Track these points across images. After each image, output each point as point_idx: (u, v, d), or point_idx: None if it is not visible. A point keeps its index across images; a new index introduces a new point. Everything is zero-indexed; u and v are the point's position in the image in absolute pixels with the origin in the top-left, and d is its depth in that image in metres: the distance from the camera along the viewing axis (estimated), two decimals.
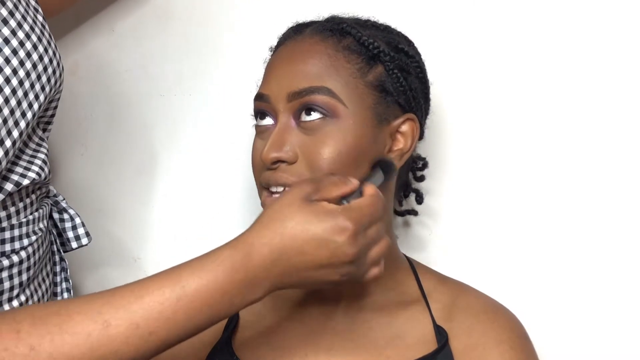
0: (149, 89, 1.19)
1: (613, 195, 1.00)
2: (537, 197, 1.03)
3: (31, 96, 0.81)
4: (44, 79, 0.83)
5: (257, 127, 0.89)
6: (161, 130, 1.19)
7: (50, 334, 0.63)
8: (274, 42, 0.94)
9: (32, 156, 0.88)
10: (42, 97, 0.83)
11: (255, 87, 0.90)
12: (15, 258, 0.85)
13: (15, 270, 0.85)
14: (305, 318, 0.89)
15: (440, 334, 0.86)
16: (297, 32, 0.90)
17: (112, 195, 1.22)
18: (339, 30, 0.87)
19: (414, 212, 1.04)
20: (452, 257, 1.06)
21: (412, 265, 0.94)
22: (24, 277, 0.87)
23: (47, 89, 0.84)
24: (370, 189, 0.75)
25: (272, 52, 0.93)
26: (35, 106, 0.82)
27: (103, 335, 0.64)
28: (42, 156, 0.89)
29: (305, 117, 0.83)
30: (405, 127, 0.87)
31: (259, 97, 0.87)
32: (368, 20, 0.91)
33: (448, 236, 1.08)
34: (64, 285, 0.98)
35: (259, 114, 0.88)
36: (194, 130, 1.18)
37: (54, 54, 0.85)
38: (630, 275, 1.00)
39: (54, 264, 0.97)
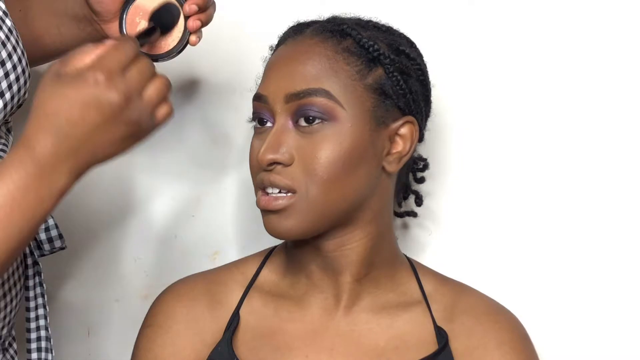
0: None
1: (613, 198, 1.01)
2: (536, 200, 1.03)
3: None
4: (3, 85, 0.81)
5: (255, 127, 0.88)
6: (161, 129, 1.18)
7: None
8: (275, 41, 0.93)
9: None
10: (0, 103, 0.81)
11: (255, 86, 0.90)
12: None
13: None
14: (306, 319, 0.89)
15: (441, 335, 0.86)
16: (297, 32, 0.90)
17: (111, 195, 1.21)
18: (339, 32, 0.87)
19: (413, 214, 1.04)
20: (451, 259, 1.06)
21: (413, 265, 0.94)
22: None
23: (8, 95, 0.81)
24: (104, 44, 0.68)
25: (272, 52, 0.93)
26: None
27: None
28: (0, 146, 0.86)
29: (303, 123, 0.83)
30: (404, 130, 0.87)
31: (257, 98, 0.87)
32: (370, 21, 0.91)
33: (447, 238, 1.08)
34: (37, 290, 0.93)
35: (257, 114, 0.88)
36: (194, 130, 1.17)
37: (19, 60, 0.82)
38: (630, 276, 1.00)
39: (26, 267, 0.92)
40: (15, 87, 0.82)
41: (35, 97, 0.68)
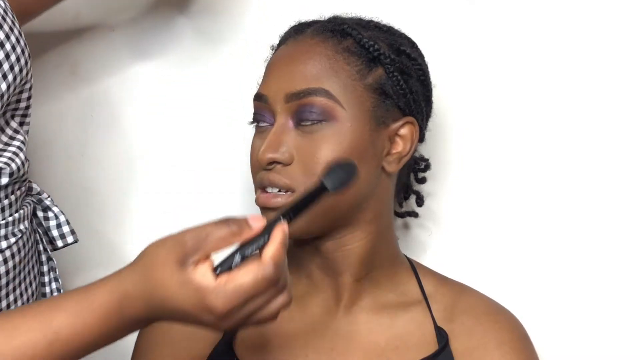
0: (149, 89, 1.19)
1: (613, 198, 1.01)
2: (537, 200, 1.03)
3: None
4: (5, 67, 0.80)
5: (256, 126, 0.89)
6: (161, 130, 1.19)
7: None
8: (276, 41, 0.93)
9: (4, 145, 0.85)
10: (3, 86, 0.80)
11: (256, 85, 0.90)
12: None
13: None
14: (307, 318, 0.89)
15: (441, 335, 0.86)
16: (298, 32, 0.90)
17: (112, 195, 1.21)
18: (339, 32, 0.87)
19: (414, 214, 1.04)
20: (452, 259, 1.06)
21: (413, 266, 0.93)
22: (3, 281, 0.84)
23: (10, 77, 0.81)
24: (267, 250, 0.62)
25: (273, 51, 0.93)
26: None
27: None
28: (17, 143, 0.86)
29: (303, 123, 0.83)
30: (404, 131, 0.87)
31: (258, 97, 0.87)
32: (371, 21, 0.91)
33: (448, 238, 1.08)
34: (53, 285, 0.95)
35: (258, 114, 0.88)
36: (194, 130, 1.18)
37: (17, 40, 0.82)
38: (630, 276, 1.00)
39: (41, 264, 0.94)
40: (17, 68, 0.82)
41: (152, 257, 0.64)
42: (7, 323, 0.64)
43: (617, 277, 1.00)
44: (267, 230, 0.63)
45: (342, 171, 0.71)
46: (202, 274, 0.62)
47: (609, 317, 1.00)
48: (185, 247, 0.63)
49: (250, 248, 0.63)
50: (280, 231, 0.63)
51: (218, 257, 0.63)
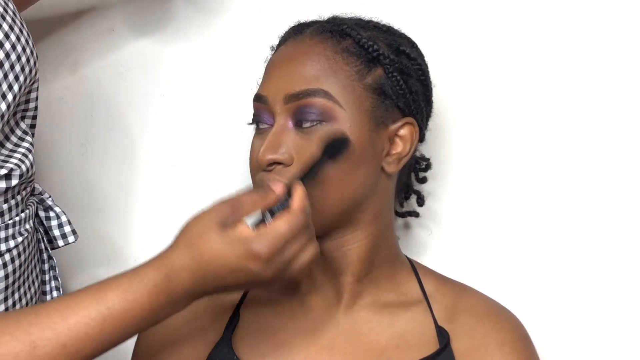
0: (149, 89, 1.19)
1: (614, 198, 1.00)
2: (537, 200, 1.03)
3: (4, 86, 0.80)
4: (17, 68, 0.81)
5: (256, 127, 0.88)
6: (161, 130, 1.19)
7: None
8: (276, 42, 0.93)
9: (14, 146, 0.86)
10: (16, 87, 0.81)
11: (256, 86, 0.90)
12: None
13: (1, 273, 0.84)
14: (307, 317, 0.89)
15: (442, 335, 0.86)
16: (297, 33, 0.90)
17: (112, 195, 1.22)
18: (338, 32, 0.87)
19: (415, 214, 1.04)
20: (453, 259, 1.06)
21: (413, 266, 0.93)
22: (10, 280, 0.85)
23: (22, 78, 0.82)
24: (294, 203, 0.74)
25: (272, 52, 0.93)
26: (10, 97, 0.81)
27: (31, 356, 0.65)
28: (27, 145, 0.87)
29: (302, 125, 0.83)
30: (404, 131, 0.87)
31: (258, 98, 0.87)
32: (370, 21, 0.91)
33: (448, 238, 1.07)
34: (52, 283, 0.97)
35: (257, 115, 0.88)
36: (194, 130, 1.18)
37: (27, 42, 0.84)
38: (630, 276, 1.00)
39: (42, 262, 0.96)
40: (27, 69, 0.83)
41: (194, 228, 0.72)
42: (60, 304, 0.68)
43: (617, 277, 1.00)
44: (287, 192, 0.75)
45: (338, 142, 0.82)
46: (243, 229, 0.71)
47: (609, 317, 1.00)
48: (223, 213, 0.71)
49: (277, 207, 0.74)
50: (300, 187, 0.75)
51: (250, 219, 0.72)
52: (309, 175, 0.79)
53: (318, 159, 0.81)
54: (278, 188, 0.74)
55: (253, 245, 0.70)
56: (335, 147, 0.81)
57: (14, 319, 0.67)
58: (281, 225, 0.71)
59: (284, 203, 0.74)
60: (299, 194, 0.74)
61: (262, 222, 0.73)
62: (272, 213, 0.73)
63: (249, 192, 0.76)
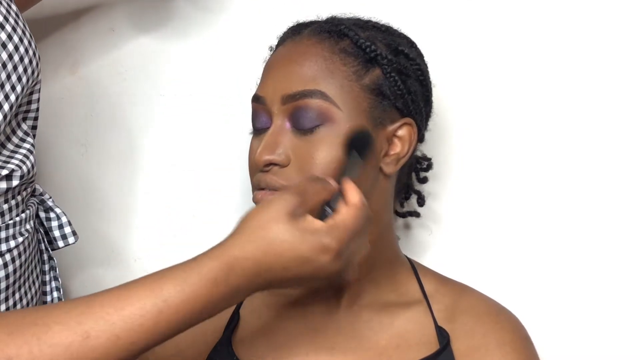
0: (149, 89, 1.19)
1: (614, 199, 1.00)
2: (538, 200, 1.03)
3: (7, 87, 0.80)
4: (20, 69, 0.81)
5: (254, 128, 0.88)
6: (161, 130, 1.19)
7: (29, 345, 0.62)
8: (274, 42, 0.93)
9: (15, 147, 0.86)
10: (18, 88, 0.81)
11: (255, 86, 0.90)
12: None
13: (1, 273, 0.84)
14: (307, 317, 0.89)
15: (442, 335, 0.86)
16: (296, 33, 0.90)
17: (112, 195, 1.22)
18: (336, 32, 0.86)
19: (416, 214, 1.04)
20: (453, 259, 1.06)
21: (413, 266, 0.93)
22: (11, 280, 0.86)
23: (24, 79, 0.82)
24: (353, 196, 0.73)
25: (271, 52, 0.93)
26: (12, 97, 0.81)
27: (83, 346, 0.63)
28: (28, 146, 0.87)
29: (299, 126, 0.83)
30: (402, 132, 0.87)
31: (256, 99, 0.87)
32: (369, 21, 0.91)
33: (448, 239, 1.07)
34: (53, 284, 0.97)
35: (255, 115, 0.87)
36: (194, 130, 1.18)
37: (29, 43, 0.84)
38: (630, 277, 1.00)
39: (43, 263, 0.96)
40: (30, 70, 0.83)
41: (261, 217, 0.70)
42: (113, 295, 0.65)
43: (617, 277, 1.00)
44: (340, 186, 0.75)
45: (364, 140, 0.83)
46: (314, 220, 0.70)
47: (609, 317, 1.00)
48: (292, 203, 0.70)
49: (334, 201, 0.74)
50: (351, 182, 0.75)
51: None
52: (347, 175, 0.78)
53: (351, 160, 0.81)
54: (333, 181, 0.75)
55: (325, 238, 0.69)
56: (361, 144, 0.81)
57: (63, 310, 0.64)
58: (348, 218, 0.71)
59: (338, 196, 0.74)
60: (354, 187, 0.74)
61: (323, 214, 0.73)
62: (331, 206, 0.73)
63: (310, 182, 0.74)
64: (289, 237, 0.68)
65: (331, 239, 0.69)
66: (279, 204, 0.70)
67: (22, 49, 0.82)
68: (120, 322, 0.63)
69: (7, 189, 0.84)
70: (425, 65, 0.92)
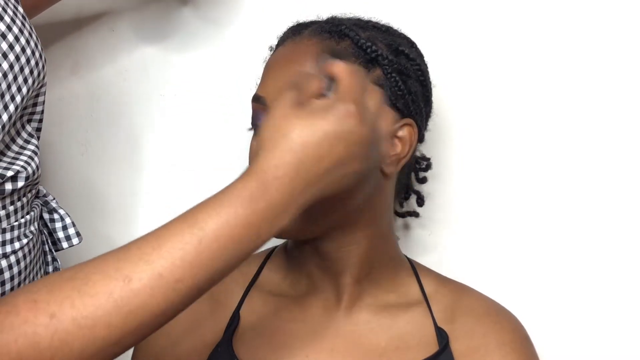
0: (149, 89, 1.19)
1: (615, 199, 1.00)
2: (538, 200, 1.03)
3: (14, 89, 0.80)
4: (26, 71, 0.81)
5: (254, 128, 0.88)
6: (161, 130, 1.19)
7: (70, 299, 0.59)
8: (274, 42, 0.93)
9: (20, 149, 0.87)
10: (24, 90, 0.82)
11: (255, 86, 0.90)
12: (3, 262, 0.84)
13: (6, 275, 0.84)
14: (307, 319, 0.89)
15: (442, 335, 0.86)
16: (296, 33, 0.89)
17: (112, 195, 1.22)
18: (337, 33, 0.86)
19: (415, 214, 1.04)
20: (452, 260, 1.06)
21: (413, 266, 0.93)
22: (16, 281, 0.86)
23: (30, 81, 0.82)
24: (336, 67, 0.70)
25: (271, 52, 0.93)
26: (18, 99, 0.81)
27: (126, 291, 0.59)
28: (32, 147, 0.87)
29: None
30: (402, 132, 0.86)
31: (256, 99, 0.87)
32: (369, 22, 0.90)
33: (448, 239, 1.07)
34: None
35: (256, 115, 0.87)
36: (194, 130, 1.18)
37: (36, 45, 0.84)
38: (630, 277, 1.00)
39: (47, 264, 0.96)
40: (36, 72, 0.83)
41: (270, 124, 0.66)
42: (150, 236, 0.62)
43: (617, 277, 1.00)
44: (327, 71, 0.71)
45: None
46: (320, 100, 0.67)
47: (609, 317, 1.00)
48: (292, 95, 0.67)
49: (327, 89, 0.70)
50: (334, 61, 0.71)
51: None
52: None
53: None
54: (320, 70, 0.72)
55: (340, 104, 0.66)
56: None
57: (101, 260, 0.61)
58: (347, 80, 0.68)
59: (330, 84, 0.71)
60: (338, 62, 0.71)
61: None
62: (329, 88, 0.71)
63: (298, 76, 0.73)
64: (307, 123, 0.65)
65: (346, 102, 0.66)
66: (280, 104, 0.67)
67: (28, 51, 0.82)
68: (161, 259, 0.60)
69: (13, 190, 0.84)
70: (426, 65, 0.92)
